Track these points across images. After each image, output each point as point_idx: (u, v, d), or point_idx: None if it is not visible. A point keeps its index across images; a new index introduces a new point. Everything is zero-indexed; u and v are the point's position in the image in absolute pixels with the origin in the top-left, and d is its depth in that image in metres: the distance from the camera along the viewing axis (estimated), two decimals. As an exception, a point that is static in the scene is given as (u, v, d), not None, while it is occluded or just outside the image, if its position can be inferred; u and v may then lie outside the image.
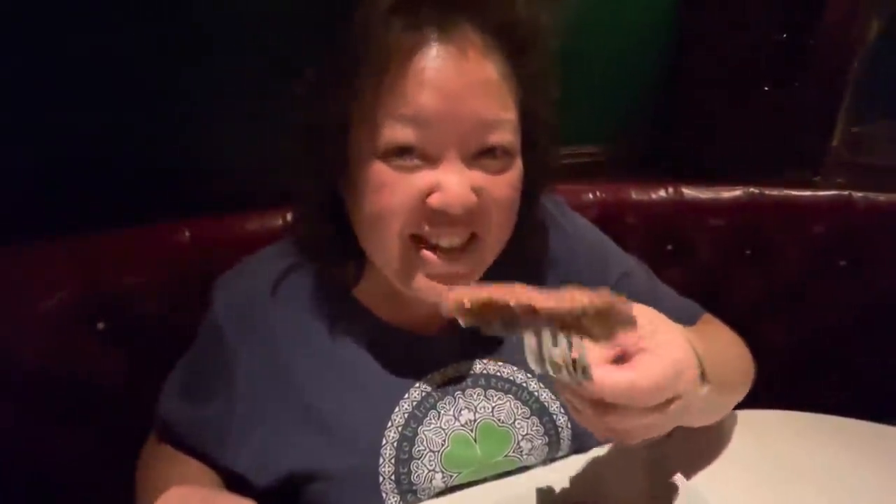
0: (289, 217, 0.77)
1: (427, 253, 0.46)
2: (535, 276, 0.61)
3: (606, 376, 0.36)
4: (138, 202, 0.74)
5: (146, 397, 0.61)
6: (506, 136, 0.45)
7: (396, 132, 0.43)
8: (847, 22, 1.30)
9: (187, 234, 0.72)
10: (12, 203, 0.68)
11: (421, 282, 0.47)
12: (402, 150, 0.43)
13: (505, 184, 0.46)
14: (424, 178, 0.44)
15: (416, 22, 0.42)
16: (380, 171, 0.44)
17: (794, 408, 0.63)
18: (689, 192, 0.98)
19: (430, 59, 0.42)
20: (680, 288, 0.99)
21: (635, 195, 0.97)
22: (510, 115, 0.45)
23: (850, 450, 0.58)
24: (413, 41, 0.42)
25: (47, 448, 0.61)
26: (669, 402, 0.38)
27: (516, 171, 0.48)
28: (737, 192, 0.98)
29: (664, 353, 0.38)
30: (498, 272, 0.55)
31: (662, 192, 0.98)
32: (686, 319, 0.66)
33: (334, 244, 0.52)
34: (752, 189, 0.98)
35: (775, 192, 0.97)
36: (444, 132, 0.43)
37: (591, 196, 0.95)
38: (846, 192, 0.96)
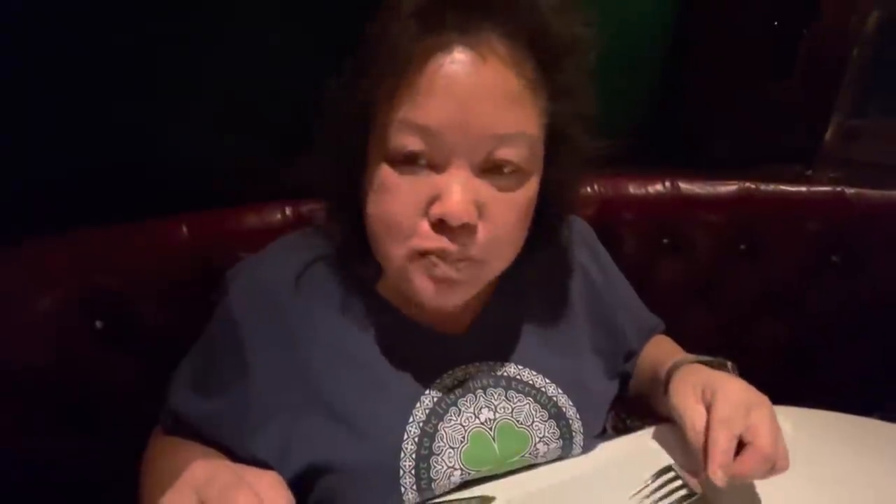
0: (288, 211, 0.77)
1: (431, 257, 0.45)
2: (554, 281, 0.62)
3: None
4: (134, 197, 0.72)
5: (147, 396, 0.61)
6: (519, 151, 0.43)
7: (404, 138, 0.42)
8: (844, 15, 1.30)
9: (185, 229, 0.70)
10: (4, 200, 0.66)
11: (421, 284, 0.47)
12: (409, 156, 0.42)
13: (511, 205, 0.45)
14: (429, 184, 0.43)
15: (439, 26, 0.40)
16: (386, 174, 0.44)
17: (784, 402, 0.64)
18: (685, 186, 0.99)
19: (445, 65, 0.40)
20: (676, 282, 1.01)
21: (632, 189, 0.98)
22: (529, 129, 0.44)
23: (845, 444, 0.59)
24: (432, 46, 0.40)
25: (46, 449, 0.60)
26: None
27: (526, 191, 0.46)
28: (732, 187, 0.99)
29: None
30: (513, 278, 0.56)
31: (659, 186, 0.98)
32: (648, 334, 0.71)
33: (354, 240, 0.51)
34: (747, 184, 0.98)
35: (770, 188, 0.98)
36: (452, 142, 0.42)
37: (588, 190, 0.96)
38: (839, 188, 0.97)
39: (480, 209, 0.44)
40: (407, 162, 0.43)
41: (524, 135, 0.44)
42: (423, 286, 0.46)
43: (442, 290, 0.47)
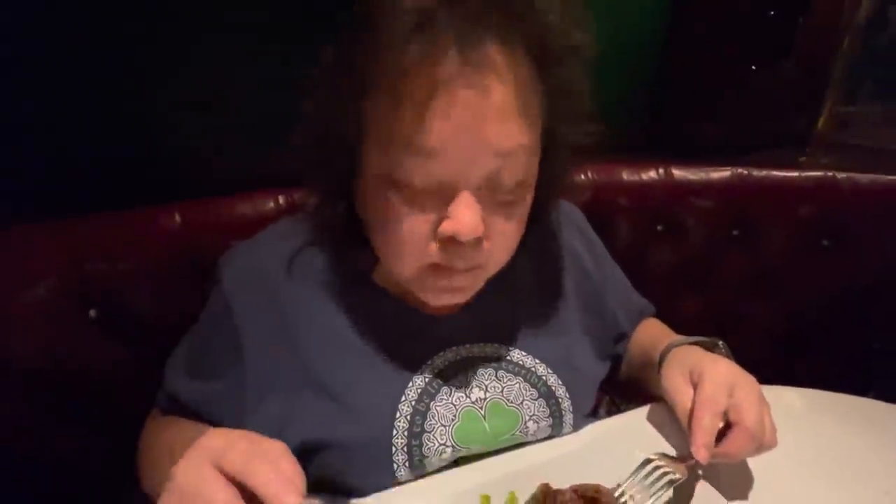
0: (280, 200, 0.77)
1: (440, 267, 0.46)
2: (545, 264, 0.63)
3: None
4: (127, 185, 0.72)
5: (141, 383, 0.61)
6: (521, 164, 0.43)
7: (407, 163, 0.41)
8: (836, 3, 1.30)
9: (178, 217, 0.70)
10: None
11: (433, 293, 0.49)
12: (411, 181, 0.42)
13: (514, 215, 0.46)
14: (434, 206, 0.43)
15: (435, 41, 0.38)
16: (391, 202, 0.43)
17: (776, 384, 0.65)
18: (678, 172, 0.99)
19: (444, 86, 0.38)
20: (670, 267, 1.01)
21: (626, 176, 0.98)
22: (528, 140, 0.43)
23: (840, 424, 0.60)
24: (429, 64, 0.38)
25: (41, 439, 0.60)
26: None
27: (527, 202, 0.47)
28: (725, 173, 0.99)
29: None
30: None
31: (653, 173, 0.99)
32: (638, 317, 0.72)
33: (347, 229, 0.52)
34: (740, 170, 0.99)
35: (763, 174, 0.99)
36: (456, 164, 0.41)
37: (582, 177, 0.96)
38: (830, 174, 0.98)
39: (485, 222, 0.44)
40: (409, 185, 0.42)
41: (525, 147, 0.43)
42: (435, 295, 0.49)
43: (452, 296, 0.49)
